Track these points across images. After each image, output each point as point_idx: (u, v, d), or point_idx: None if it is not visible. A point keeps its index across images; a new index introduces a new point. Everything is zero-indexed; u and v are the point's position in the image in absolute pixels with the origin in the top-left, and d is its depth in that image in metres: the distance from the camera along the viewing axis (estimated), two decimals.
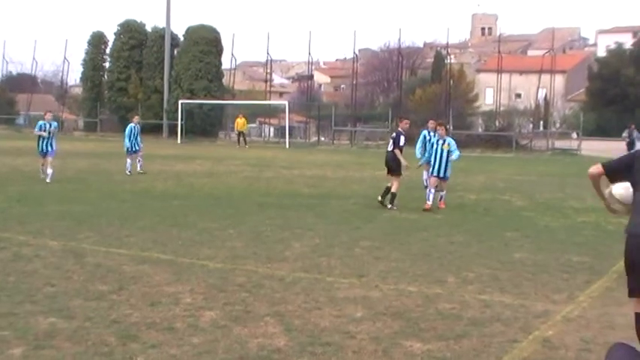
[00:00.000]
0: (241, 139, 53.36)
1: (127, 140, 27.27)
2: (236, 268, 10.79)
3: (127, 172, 26.46)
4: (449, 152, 19.23)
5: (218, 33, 66.00)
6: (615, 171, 6.61)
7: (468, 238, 14.02)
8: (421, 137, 22.11)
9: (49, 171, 22.89)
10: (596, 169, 6.74)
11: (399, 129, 19.48)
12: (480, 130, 59.72)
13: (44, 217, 15.52)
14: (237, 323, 7.94)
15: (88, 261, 10.98)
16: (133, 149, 27.23)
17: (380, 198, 18.82)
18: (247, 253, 11.98)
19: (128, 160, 26.93)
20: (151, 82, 65.67)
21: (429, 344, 7.42)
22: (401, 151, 18.91)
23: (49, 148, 23.43)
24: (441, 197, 19.25)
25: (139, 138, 27.72)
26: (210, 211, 17.14)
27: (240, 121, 54.01)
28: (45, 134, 23.34)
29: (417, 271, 10.85)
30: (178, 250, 12.19)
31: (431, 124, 21.90)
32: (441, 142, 19.35)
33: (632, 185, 6.34)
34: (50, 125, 23.60)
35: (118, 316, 8.10)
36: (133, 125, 27.75)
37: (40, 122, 23.91)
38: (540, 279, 10.52)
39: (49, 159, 23.29)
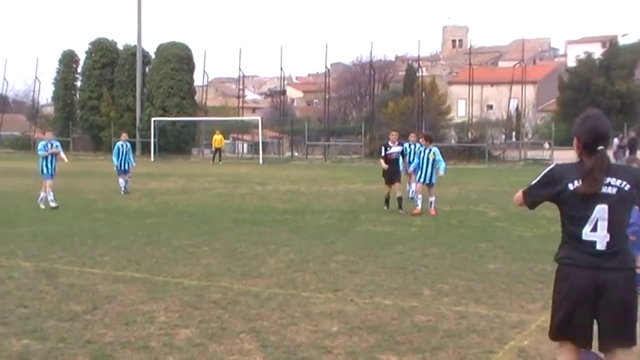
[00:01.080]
0: (216, 155, 53.32)
1: (115, 159, 26.87)
2: (211, 285, 10.75)
3: (122, 191, 26.23)
4: (434, 161, 20.69)
5: (190, 50, 66.05)
6: (541, 201, 5.39)
7: (443, 250, 14.05)
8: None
9: (52, 194, 21.51)
10: (519, 200, 5.49)
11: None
12: (452, 141, 59.96)
13: (16, 237, 15.40)
14: (213, 341, 7.90)
15: (62, 281, 10.89)
16: (123, 168, 26.74)
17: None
18: (222, 270, 11.94)
19: (120, 180, 26.60)
20: (123, 100, 65.50)
21: (405, 357, 7.43)
22: (382, 159, 21.23)
23: (54, 171, 22.08)
24: (431, 203, 20.64)
25: (130, 156, 27.17)
26: (184, 229, 17.08)
27: (217, 138, 53.99)
28: (56, 150, 22.04)
29: (393, 285, 10.85)
30: (153, 268, 12.14)
31: (412, 137, 23.35)
32: (427, 151, 20.76)
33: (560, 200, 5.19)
34: (52, 145, 22.17)
35: (92, 336, 8.04)
36: (120, 144, 27.19)
37: (43, 142, 22.21)
38: (515, 289, 10.56)
39: (49, 182, 21.74)
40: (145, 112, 62.89)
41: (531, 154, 54.89)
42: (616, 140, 47.26)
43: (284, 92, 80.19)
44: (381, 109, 66.82)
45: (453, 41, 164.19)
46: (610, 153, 47.02)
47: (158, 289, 10.38)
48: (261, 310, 9.29)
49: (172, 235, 15.87)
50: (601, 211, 5.00)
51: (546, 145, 56.53)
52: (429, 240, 15.46)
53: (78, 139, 68.54)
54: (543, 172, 5.31)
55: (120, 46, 68.39)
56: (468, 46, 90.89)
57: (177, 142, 62.67)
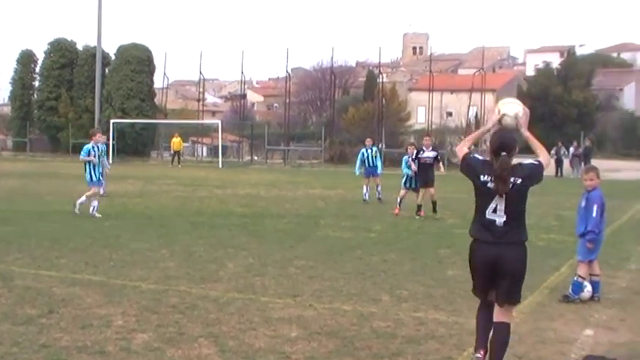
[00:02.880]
0: (175, 158, 53.10)
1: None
2: (169, 289, 10.67)
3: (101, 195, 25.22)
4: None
5: (150, 52, 65.70)
6: (466, 173, 7.26)
7: (402, 256, 14.08)
8: (359, 155, 25.89)
9: (96, 203, 20.02)
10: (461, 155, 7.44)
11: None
12: None
13: None
14: (171, 345, 7.84)
15: (17, 284, 10.74)
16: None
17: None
18: (180, 274, 11.86)
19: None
20: (82, 102, 65.01)
21: None
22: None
23: (102, 176, 20.80)
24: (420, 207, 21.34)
25: (104, 158, 24.58)
26: (142, 232, 16.95)
27: (176, 141, 53.80)
28: (95, 160, 20.18)
29: (352, 290, 10.85)
30: (110, 271, 12.02)
31: (368, 141, 26.12)
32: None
33: (474, 185, 7.08)
34: (99, 148, 20.60)
35: (48, 340, 7.93)
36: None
37: (88, 146, 20.41)
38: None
39: (95, 189, 20.28)
40: (104, 113, 62.41)
41: None
42: (571, 149, 47.78)
43: (244, 96, 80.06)
44: (341, 114, 66.98)
45: (414, 48, 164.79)
46: (566, 161, 47.75)
47: (115, 293, 10.28)
48: (220, 314, 9.24)
49: (130, 238, 15.75)
50: (500, 199, 6.79)
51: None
52: (388, 246, 15.50)
53: (35, 139, 67.86)
54: (475, 159, 7.28)
55: (79, 47, 67.91)
56: (429, 54, 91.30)
57: (136, 145, 62.29)
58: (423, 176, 21.44)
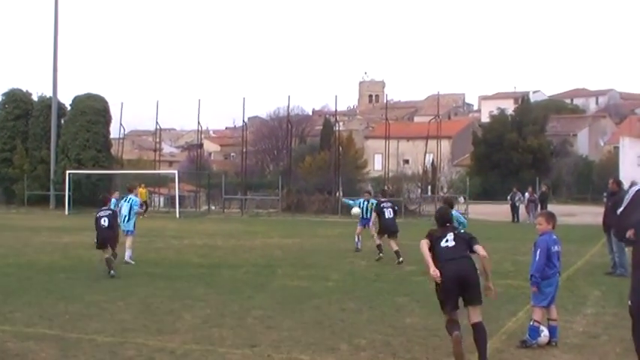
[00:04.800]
0: (142, 208, 52.49)
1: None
2: (125, 341, 10.57)
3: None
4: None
5: (106, 102, 65.35)
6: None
7: (360, 305, 14.07)
8: (359, 202, 26.43)
9: (130, 251, 21.52)
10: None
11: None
12: None
13: None
14: None
15: None
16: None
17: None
18: (137, 326, 11.75)
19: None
20: (37, 153, 64.39)
21: None
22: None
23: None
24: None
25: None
26: (98, 283, 16.80)
27: (142, 191, 53.27)
28: (142, 211, 21.21)
29: (310, 340, 10.82)
30: (65, 324, 11.88)
31: (366, 195, 27.08)
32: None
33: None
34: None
35: None
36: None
37: (137, 199, 22.22)
38: (432, 343, 10.62)
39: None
40: (59, 164, 61.90)
41: None
42: (527, 194, 48.23)
43: (201, 146, 79.94)
44: (298, 163, 67.11)
45: (370, 96, 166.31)
46: (522, 207, 48.18)
47: (71, 347, 10.15)
48: None
49: (86, 291, 15.58)
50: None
51: (461, 199, 57.22)
52: (346, 294, 15.47)
53: None
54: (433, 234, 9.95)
55: (35, 98, 67.38)
56: (385, 101, 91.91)
57: (92, 196, 61.68)
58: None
